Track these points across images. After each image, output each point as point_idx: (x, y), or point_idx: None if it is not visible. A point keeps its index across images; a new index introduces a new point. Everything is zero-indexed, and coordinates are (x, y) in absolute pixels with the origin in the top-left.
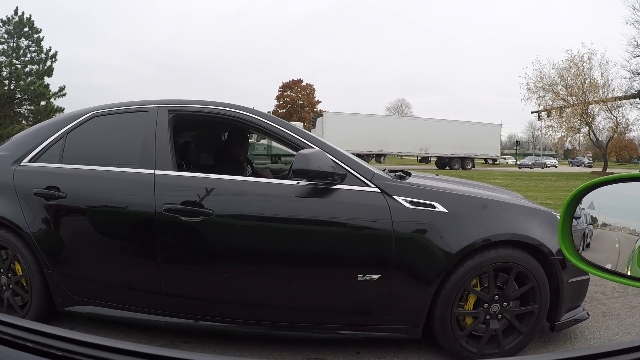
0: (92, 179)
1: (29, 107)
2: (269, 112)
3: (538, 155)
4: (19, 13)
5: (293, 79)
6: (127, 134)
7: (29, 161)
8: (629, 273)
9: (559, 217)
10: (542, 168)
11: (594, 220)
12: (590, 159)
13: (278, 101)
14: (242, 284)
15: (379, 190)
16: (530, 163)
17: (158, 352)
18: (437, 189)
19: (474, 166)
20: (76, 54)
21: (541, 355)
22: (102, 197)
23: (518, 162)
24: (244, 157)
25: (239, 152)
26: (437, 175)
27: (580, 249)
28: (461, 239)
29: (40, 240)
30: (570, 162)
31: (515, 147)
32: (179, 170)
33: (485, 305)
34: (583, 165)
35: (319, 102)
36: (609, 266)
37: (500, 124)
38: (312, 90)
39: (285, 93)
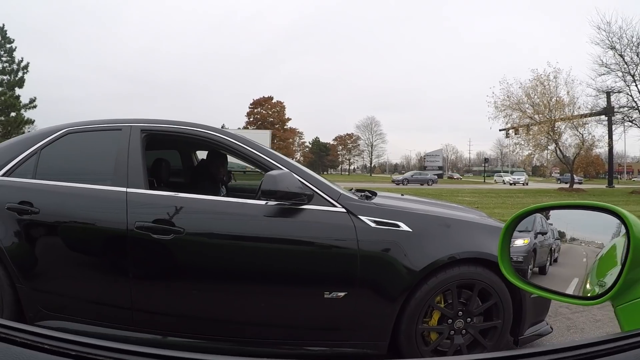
0: (65, 195)
1: None
2: (239, 128)
3: (423, 169)
4: None
5: (264, 96)
6: (100, 151)
7: (2, 175)
8: (587, 286)
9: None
10: (424, 185)
11: (561, 235)
12: (581, 175)
13: (249, 118)
14: (212, 300)
15: (345, 210)
16: (400, 179)
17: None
18: (401, 209)
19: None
20: (47, 67)
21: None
22: (75, 213)
23: (392, 177)
24: (223, 177)
25: (218, 172)
26: (402, 195)
27: (548, 264)
28: (425, 257)
29: (12, 254)
30: (559, 180)
31: (483, 165)
32: (150, 188)
33: (450, 321)
34: (575, 182)
35: (289, 119)
36: (573, 284)
37: (270, 131)
38: (283, 108)
39: (255, 110)
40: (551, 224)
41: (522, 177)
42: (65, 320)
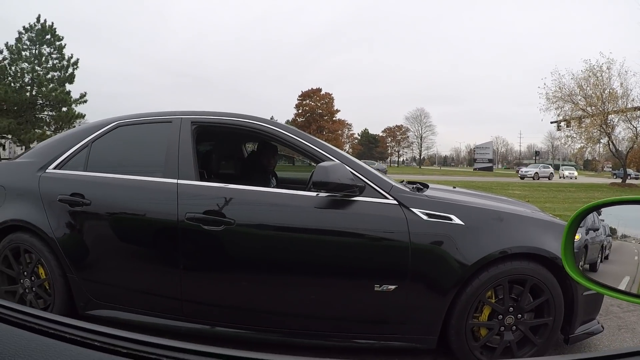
0: (116, 187)
1: (50, 113)
2: (288, 120)
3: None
4: (41, 21)
5: (312, 88)
6: (150, 143)
7: (54, 168)
8: None
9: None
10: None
11: (612, 231)
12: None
13: (297, 110)
14: (262, 291)
15: (396, 203)
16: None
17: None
18: (453, 202)
19: None
20: (97, 63)
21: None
22: (126, 205)
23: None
24: (274, 168)
25: (268, 163)
26: (454, 187)
27: (599, 260)
28: (477, 251)
29: (64, 245)
30: (615, 174)
31: (534, 157)
32: (201, 179)
33: (500, 316)
34: (629, 177)
35: (337, 111)
36: (624, 282)
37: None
38: (331, 99)
39: (304, 102)
40: (603, 220)
41: (547, 170)
42: (116, 310)
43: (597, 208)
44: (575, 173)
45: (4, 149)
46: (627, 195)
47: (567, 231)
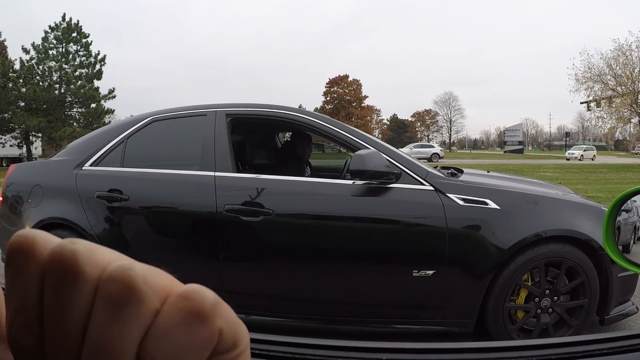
0: (153, 182)
1: (79, 110)
2: (316, 108)
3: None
4: (67, 19)
5: (339, 75)
6: (186, 137)
7: (90, 165)
8: None
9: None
10: None
11: None
12: None
13: (325, 97)
14: (301, 280)
15: (433, 189)
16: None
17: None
18: (489, 186)
19: None
20: (122, 58)
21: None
22: (165, 199)
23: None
24: (308, 157)
25: (304, 153)
26: (488, 171)
27: (632, 242)
28: (513, 234)
29: (103, 240)
30: (636, 153)
31: (565, 139)
32: (237, 171)
33: (536, 299)
34: None
35: (366, 97)
36: None
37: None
38: (359, 86)
39: (332, 89)
40: (635, 202)
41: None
42: None
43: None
44: (594, 153)
45: (35, 148)
46: None
47: (608, 215)
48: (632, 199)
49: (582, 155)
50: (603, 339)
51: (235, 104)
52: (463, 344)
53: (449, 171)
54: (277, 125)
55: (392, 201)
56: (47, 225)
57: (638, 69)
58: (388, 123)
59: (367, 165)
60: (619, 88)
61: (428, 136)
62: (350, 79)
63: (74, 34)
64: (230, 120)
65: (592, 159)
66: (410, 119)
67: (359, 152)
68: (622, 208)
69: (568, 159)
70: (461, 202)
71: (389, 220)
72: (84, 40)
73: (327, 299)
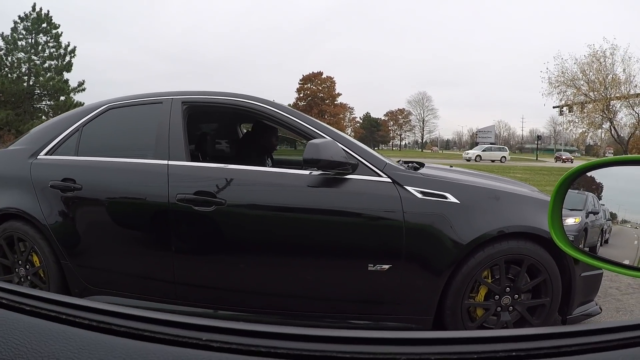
0: (107, 171)
1: (48, 103)
2: (289, 104)
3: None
4: (37, 9)
5: (313, 72)
6: (141, 125)
7: (46, 154)
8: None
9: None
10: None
11: (613, 216)
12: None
13: (298, 94)
14: (255, 273)
15: (390, 181)
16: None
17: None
18: (449, 180)
19: None
20: (93, 51)
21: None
22: (118, 189)
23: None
24: (274, 148)
25: (269, 145)
26: (451, 166)
27: (599, 244)
28: (472, 230)
29: (57, 231)
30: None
31: (536, 142)
32: (194, 161)
33: (497, 297)
34: None
35: (339, 94)
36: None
37: None
38: (333, 83)
39: (305, 86)
40: (603, 205)
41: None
42: (111, 295)
43: (588, 170)
44: (503, 154)
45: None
46: (628, 155)
47: (553, 197)
48: (600, 202)
49: (478, 156)
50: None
51: (191, 92)
52: (424, 333)
53: (410, 164)
54: (237, 115)
55: (347, 192)
56: (2, 216)
57: (611, 76)
58: (361, 121)
59: (322, 155)
60: (591, 93)
61: (401, 135)
62: (324, 76)
63: (44, 25)
64: (187, 108)
65: (501, 161)
66: (383, 118)
67: (313, 140)
68: (589, 210)
69: (467, 160)
70: (419, 195)
71: (344, 212)
72: (54, 31)
73: (282, 293)
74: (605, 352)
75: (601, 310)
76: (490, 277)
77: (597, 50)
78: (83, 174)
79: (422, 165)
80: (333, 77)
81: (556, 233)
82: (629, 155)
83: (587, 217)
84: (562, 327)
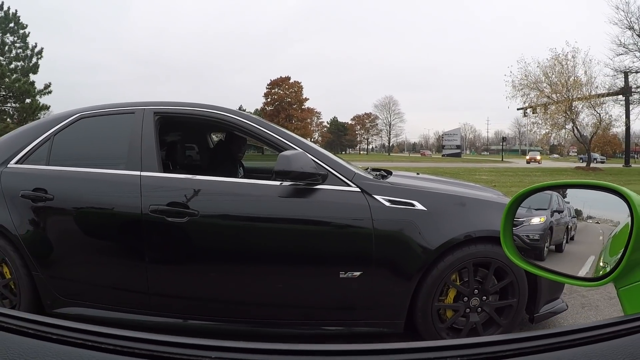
0: (79, 181)
1: (13, 105)
2: (257, 110)
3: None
4: (4, 8)
5: (281, 77)
6: (113, 135)
7: (16, 163)
8: (600, 264)
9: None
10: None
11: (577, 213)
12: (604, 155)
13: (266, 98)
14: (228, 282)
15: (359, 190)
16: None
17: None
18: (416, 188)
19: None
20: (61, 52)
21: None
22: (90, 199)
23: None
24: (241, 158)
25: (237, 153)
26: (418, 174)
27: (564, 242)
28: (440, 235)
29: (28, 242)
30: (581, 159)
31: (501, 144)
32: (165, 171)
33: (465, 299)
34: (595, 161)
35: (306, 99)
36: (589, 261)
37: None
38: (300, 88)
39: (273, 90)
40: (568, 202)
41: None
42: (83, 307)
43: (535, 192)
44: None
45: None
46: (575, 180)
47: (505, 213)
48: (565, 200)
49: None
50: (535, 337)
51: (164, 102)
52: (389, 345)
53: (378, 173)
54: (208, 125)
55: (318, 202)
56: None
57: (573, 78)
58: (328, 126)
59: (293, 166)
60: (554, 95)
61: (367, 139)
62: (291, 80)
63: (12, 25)
64: (159, 119)
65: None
66: (350, 122)
67: (284, 152)
68: (554, 209)
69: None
70: (387, 204)
71: (315, 221)
72: (21, 32)
73: (256, 302)
74: (560, 350)
75: (567, 307)
76: (458, 280)
77: (559, 54)
78: (55, 184)
79: (390, 173)
80: (300, 82)
81: (508, 248)
82: (574, 180)
83: (552, 215)
84: (521, 333)
